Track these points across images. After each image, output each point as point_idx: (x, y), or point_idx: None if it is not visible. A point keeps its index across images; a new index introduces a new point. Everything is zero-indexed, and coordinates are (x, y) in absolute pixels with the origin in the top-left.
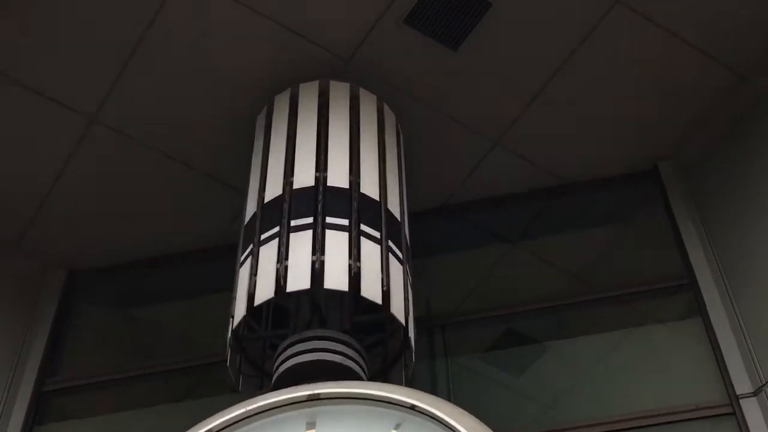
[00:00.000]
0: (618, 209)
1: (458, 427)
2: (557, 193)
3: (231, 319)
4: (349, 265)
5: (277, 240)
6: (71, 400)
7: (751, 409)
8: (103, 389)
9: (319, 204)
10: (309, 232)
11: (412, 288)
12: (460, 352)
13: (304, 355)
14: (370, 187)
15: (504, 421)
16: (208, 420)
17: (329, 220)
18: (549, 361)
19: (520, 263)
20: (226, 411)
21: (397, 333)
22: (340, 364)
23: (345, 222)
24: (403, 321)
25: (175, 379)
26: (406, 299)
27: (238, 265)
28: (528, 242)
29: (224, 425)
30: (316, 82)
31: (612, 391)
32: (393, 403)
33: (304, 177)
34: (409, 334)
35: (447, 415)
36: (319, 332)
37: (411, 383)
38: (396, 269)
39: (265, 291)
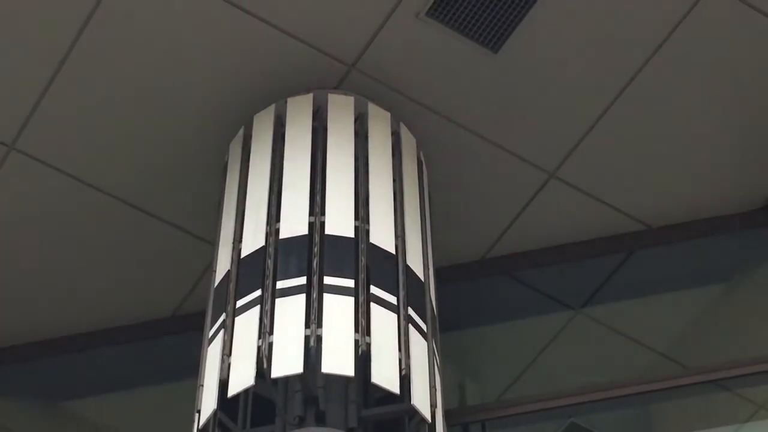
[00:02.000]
0: (720, 262)
1: None
2: (636, 242)
3: (197, 415)
4: (356, 342)
5: (258, 308)
6: None
7: None
8: None
9: (314, 259)
10: (301, 297)
11: (440, 371)
12: None
13: None
14: (382, 235)
15: None
16: None
17: (328, 280)
18: None
19: (586, 336)
20: None
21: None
22: None
23: (349, 283)
24: (428, 416)
25: None
26: (432, 387)
27: (206, 342)
28: (597, 308)
29: None
30: (310, 96)
31: None
32: None
33: (294, 223)
34: None
35: None
36: None
37: None
38: (418, 346)
39: (242, 377)
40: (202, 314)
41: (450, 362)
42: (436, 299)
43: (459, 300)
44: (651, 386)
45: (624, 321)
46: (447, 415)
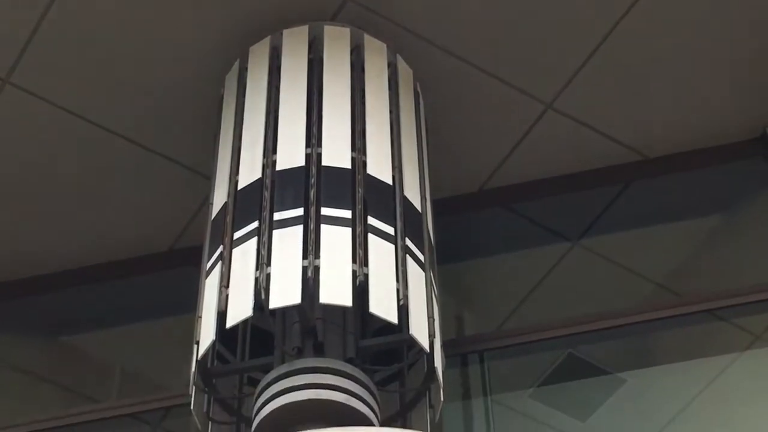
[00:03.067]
0: (717, 192)
1: None
2: (633, 173)
3: (195, 347)
4: (353, 272)
5: (255, 239)
6: None
7: None
8: None
9: (311, 190)
10: (298, 229)
11: (438, 302)
12: (504, 387)
13: (295, 393)
14: (379, 166)
15: None
16: None
17: (325, 211)
18: (625, 399)
19: (584, 268)
20: None
21: (419, 362)
22: (343, 405)
23: (346, 214)
24: (426, 346)
25: (123, 428)
26: (430, 317)
27: (204, 275)
28: (595, 239)
29: None
30: (305, 27)
31: None
32: None
33: (291, 154)
34: (436, 364)
35: None
36: (314, 362)
37: (438, 429)
38: (416, 276)
39: (240, 308)
40: (200, 248)
41: (448, 294)
42: (434, 231)
43: (456, 232)
44: (648, 316)
45: (621, 252)
46: (445, 345)
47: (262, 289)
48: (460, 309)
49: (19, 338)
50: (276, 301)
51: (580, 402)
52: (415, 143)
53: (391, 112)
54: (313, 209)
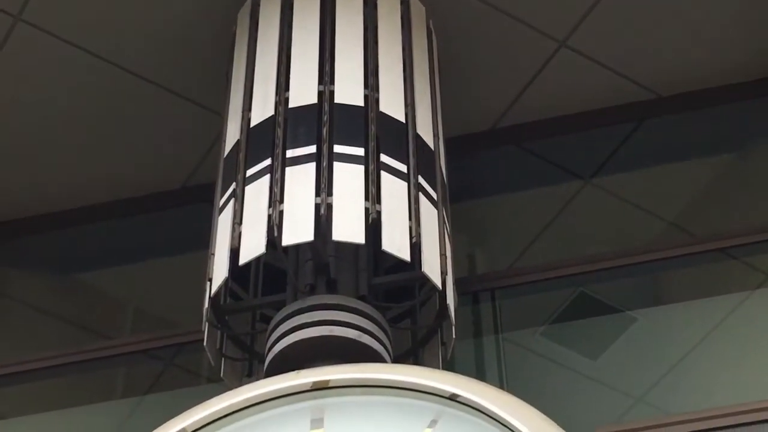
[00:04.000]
0: (730, 130)
1: (514, 422)
2: (646, 111)
3: (208, 284)
4: (366, 209)
5: (268, 177)
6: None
7: None
8: (40, 379)
9: (324, 128)
10: (311, 166)
11: (450, 240)
12: (515, 325)
13: (307, 330)
14: (392, 104)
15: (576, 418)
16: (181, 417)
17: (338, 149)
18: (637, 337)
19: (596, 206)
20: (204, 405)
21: (431, 300)
22: (355, 342)
23: (359, 151)
24: (438, 283)
25: (135, 365)
26: (442, 255)
27: (217, 212)
28: (607, 178)
29: (201, 424)
30: None
31: (725, 375)
32: (427, 393)
33: (304, 92)
34: (448, 302)
35: (499, 408)
36: (327, 299)
37: (450, 367)
38: (429, 214)
39: (253, 245)
40: (212, 185)
41: (460, 232)
42: (446, 169)
43: (468, 170)
44: (660, 254)
45: (634, 191)
46: (457, 283)
47: (274, 226)
48: (472, 247)
49: (31, 276)
50: (288, 239)
51: (591, 340)
52: (428, 81)
53: (403, 49)
54: (325, 147)
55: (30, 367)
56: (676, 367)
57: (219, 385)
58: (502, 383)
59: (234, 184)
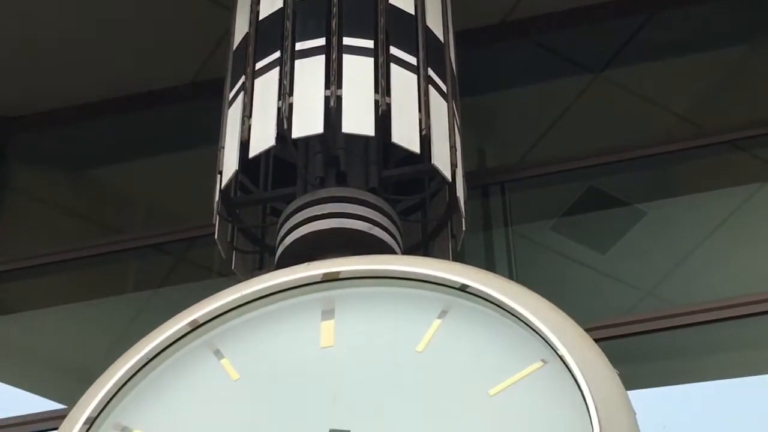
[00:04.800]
0: (741, 23)
1: (524, 312)
2: (657, 3)
3: (218, 177)
4: (376, 102)
5: (277, 69)
6: (12, 288)
7: None
8: (54, 273)
9: (333, 20)
10: (320, 58)
11: (460, 132)
12: (525, 218)
13: (318, 222)
14: None
15: (585, 310)
16: (192, 309)
17: (348, 41)
18: (646, 231)
19: (606, 100)
20: (215, 297)
21: (441, 193)
22: (365, 234)
23: (369, 44)
24: (448, 176)
25: (147, 259)
26: (452, 147)
27: (226, 105)
28: (617, 71)
29: (213, 315)
30: None
31: (734, 267)
32: (437, 284)
33: None
34: (458, 194)
35: (509, 298)
36: (337, 191)
37: (460, 260)
38: (439, 106)
39: (262, 138)
40: (222, 79)
41: (470, 126)
42: (456, 62)
43: (478, 64)
44: (670, 147)
45: (644, 83)
46: (467, 177)
47: (284, 119)
48: (482, 141)
49: (42, 171)
50: (298, 131)
51: (601, 234)
52: None
53: None
54: (335, 39)
55: (43, 261)
56: (685, 260)
57: (230, 278)
58: (512, 276)
59: (243, 77)
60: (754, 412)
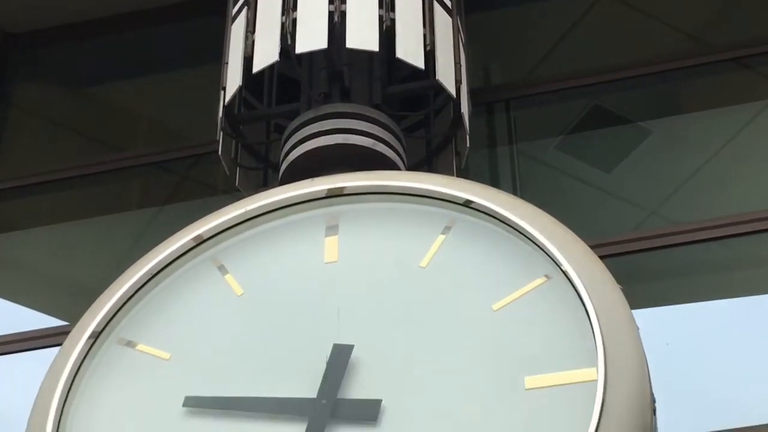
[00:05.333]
0: None
1: (528, 227)
2: None
3: (222, 93)
4: (380, 17)
5: None
6: (16, 205)
7: None
8: (57, 191)
9: None
10: None
11: (465, 49)
12: (529, 136)
13: (322, 138)
14: None
15: (589, 229)
16: (197, 224)
17: None
18: (652, 149)
19: (612, 17)
20: (219, 212)
21: (446, 109)
22: (369, 150)
23: None
24: (453, 92)
25: (150, 176)
26: (457, 63)
27: (230, 20)
28: None
29: (217, 230)
30: None
31: (739, 186)
32: (441, 200)
33: None
34: (462, 110)
35: (513, 213)
36: (341, 107)
37: (464, 177)
38: (443, 22)
39: (266, 53)
40: None
41: (475, 44)
42: None
43: None
44: (676, 65)
45: (651, 1)
46: (471, 94)
47: (288, 34)
48: (487, 59)
49: (45, 89)
50: (302, 46)
51: (606, 153)
52: None
53: None
54: None
55: (46, 179)
56: (690, 179)
57: (234, 197)
58: (516, 194)
59: None
60: (756, 331)
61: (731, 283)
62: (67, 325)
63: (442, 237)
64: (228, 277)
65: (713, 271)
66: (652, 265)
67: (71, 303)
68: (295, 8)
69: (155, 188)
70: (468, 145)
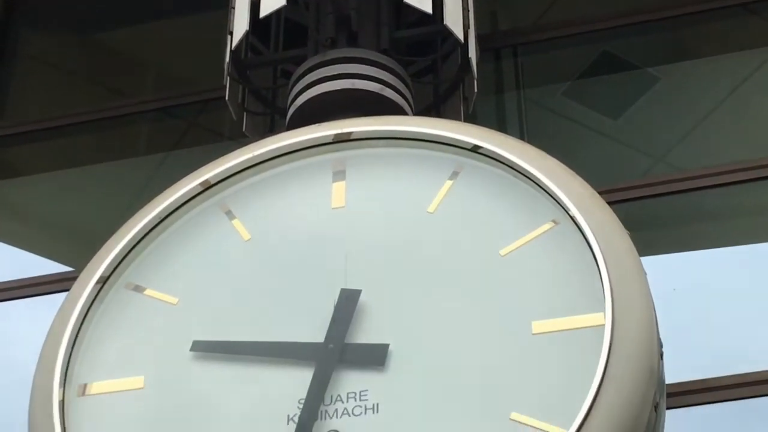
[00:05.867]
0: None
1: (536, 172)
2: None
3: (229, 38)
4: None
5: None
6: (23, 151)
7: None
8: (63, 137)
9: None
10: None
11: None
12: (537, 82)
13: (329, 83)
14: None
15: (595, 176)
16: (204, 169)
17: None
18: (659, 96)
19: None
20: (226, 157)
21: (453, 55)
22: (377, 95)
23: None
24: (461, 36)
25: (158, 123)
26: (464, 8)
27: None
28: None
29: (224, 175)
30: None
31: (746, 133)
32: (449, 145)
33: None
34: (470, 55)
35: (521, 158)
36: (348, 52)
37: (471, 122)
38: None
39: None
40: None
41: None
42: None
43: None
44: (683, 10)
45: None
46: (479, 40)
47: None
48: (495, 4)
49: (52, 36)
50: None
51: (613, 99)
52: None
53: None
54: None
55: (52, 125)
56: (697, 126)
57: (241, 143)
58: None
59: None
60: (763, 278)
61: (739, 229)
62: (73, 271)
63: (449, 182)
64: (235, 222)
65: (721, 218)
66: (660, 212)
67: (80, 249)
68: None
69: (162, 134)
70: (476, 90)
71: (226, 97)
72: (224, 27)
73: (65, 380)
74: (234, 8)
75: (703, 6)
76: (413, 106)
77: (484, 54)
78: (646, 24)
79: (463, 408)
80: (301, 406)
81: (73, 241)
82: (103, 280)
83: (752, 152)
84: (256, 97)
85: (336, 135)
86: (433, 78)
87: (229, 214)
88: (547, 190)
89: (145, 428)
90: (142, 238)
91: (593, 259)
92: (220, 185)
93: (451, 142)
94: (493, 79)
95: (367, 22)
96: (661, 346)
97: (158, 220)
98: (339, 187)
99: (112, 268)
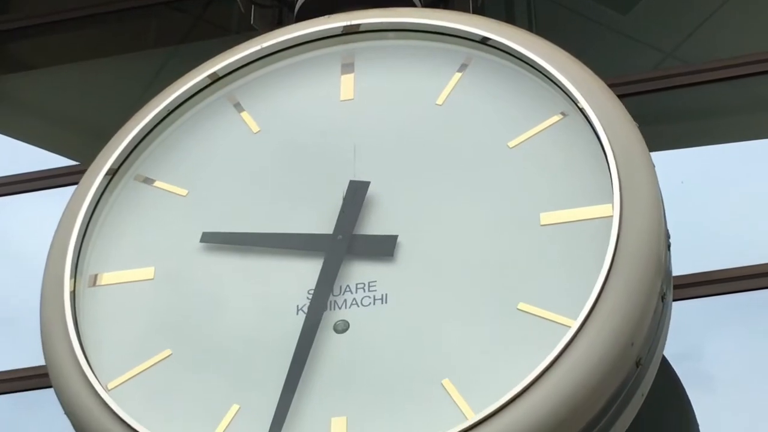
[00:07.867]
0: None
1: (546, 65)
2: None
3: None
4: None
5: None
6: (31, 44)
7: None
8: (70, 30)
9: None
10: None
11: None
12: None
13: None
14: None
15: (604, 71)
16: (212, 61)
17: None
18: None
19: None
20: (234, 50)
21: None
22: None
23: None
24: None
25: (165, 17)
26: None
27: None
28: None
29: (232, 68)
30: None
31: (758, 23)
32: (458, 36)
33: None
34: None
35: (530, 50)
36: None
37: (480, 14)
38: None
39: None
40: None
41: None
42: None
43: None
44: None
45: None
46: None
47: None
48: None
49: None
50: None
51: None
52: None
53: None
54: None
55: (61, 18)
56: (707, 20)
57: (249, 38)
58: None
59: None
60: None
61: (749, 123)
62: (78, 165)
63: (458, 75)
64: (244, 114)
65: (731, 112)
66: (670, 106)
67: (88, 143)
68: None
69: (169, 29)
70: None
71: None
72: None
73: (76, 271)
74: None
75: None
76: None
77: None
78: None
79: (471, 298)
80: (310, 297)
81: (82, 137)
82: (113, 172)
83: (764, 45)
84: None
85: (345, 27)
86: None
87: (238, 107)
88: (557, 82)
89: (155, 318)
90: (151, 130)
91: (602, 151)
92: (228, 77)
93: (460, 34)
94: None
95: None
96: (668, 237)
97: (167, 113)
98: (347, 80)
99: (121, 160)
